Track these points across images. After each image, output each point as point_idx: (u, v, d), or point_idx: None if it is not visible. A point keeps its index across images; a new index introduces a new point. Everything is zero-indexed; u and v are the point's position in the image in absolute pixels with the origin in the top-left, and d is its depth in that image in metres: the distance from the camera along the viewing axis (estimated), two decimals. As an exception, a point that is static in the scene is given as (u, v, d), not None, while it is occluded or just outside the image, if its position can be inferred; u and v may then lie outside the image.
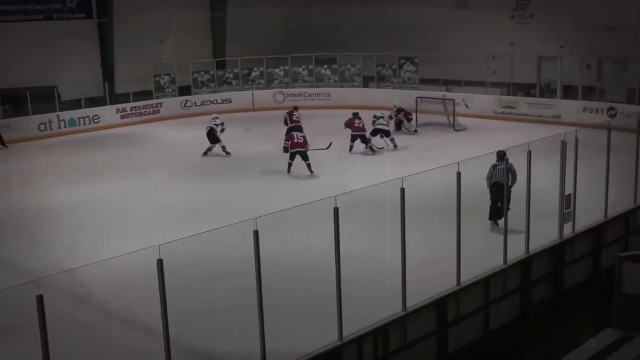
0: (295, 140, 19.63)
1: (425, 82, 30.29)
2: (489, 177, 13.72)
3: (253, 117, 30.37)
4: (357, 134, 22.10)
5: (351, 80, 32.27)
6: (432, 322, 10.61)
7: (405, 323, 10.17)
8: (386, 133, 22.76)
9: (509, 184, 12.88)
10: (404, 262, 10.06)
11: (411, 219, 10.12)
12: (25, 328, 9.35)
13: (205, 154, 22.51)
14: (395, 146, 22.74)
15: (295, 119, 22.80)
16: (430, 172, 11.65)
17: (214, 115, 23.53)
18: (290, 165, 19.62)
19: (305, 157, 19.52)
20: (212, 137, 22.49)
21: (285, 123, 22.76)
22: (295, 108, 23.84)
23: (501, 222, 12.81)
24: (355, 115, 22.65)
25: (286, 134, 20.77)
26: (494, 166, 13.73)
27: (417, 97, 26.97)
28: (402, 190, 9.88)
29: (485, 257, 11.89)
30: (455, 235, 10.88)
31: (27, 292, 7.00)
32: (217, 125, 22.64)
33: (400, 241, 10.04)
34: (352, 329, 9.46)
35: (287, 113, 23.40)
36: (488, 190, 13.73)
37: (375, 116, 22.95)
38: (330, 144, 21.56)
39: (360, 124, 22.21)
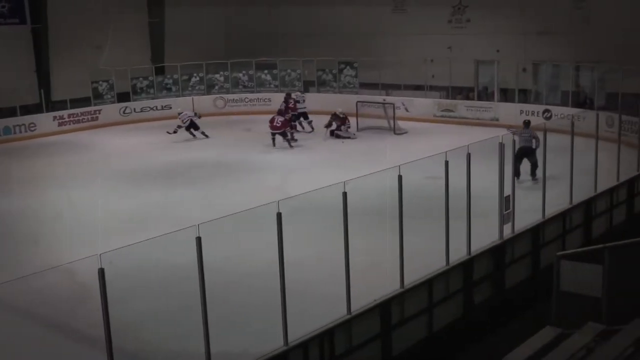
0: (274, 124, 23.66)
1: (366, 86, 30.53)
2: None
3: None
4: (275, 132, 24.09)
5: (292, 85, 32.28)
6: (376, 324, 10.68)
7: (351, 326, 10.21)
8: (304, 115, 25.94)
9: (533, 147, 16.93)
10: (347, 266, 10.10)
11: (354, 222, 10.17)
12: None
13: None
14: (312, 129, 25.80)
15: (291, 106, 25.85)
16: (371, 176, 11.71)
17: (180, 111, 26.86)
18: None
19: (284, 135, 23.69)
20: (194, 125, 25.97)
21: (286, 111, 25.25)
22: (288, 95, 26.84)
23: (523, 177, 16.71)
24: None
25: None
26: (520, 133, 17.35)
27: (357, 102, 27.12)
28: (344, 194, 9.92)
29: (427, 259, 12.01)
30: (397, 238, 10.97)
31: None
32: (192, 116, 26.26)
33: (344, 245, 10.08)
34: (297, 334, 9.46)
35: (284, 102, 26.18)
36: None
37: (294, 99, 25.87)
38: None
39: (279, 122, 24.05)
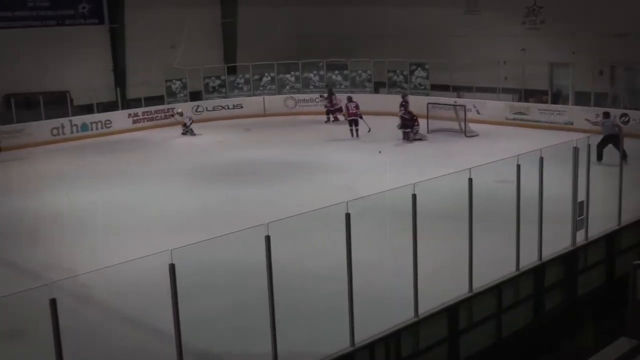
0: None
1: (437, 88, 30.26)
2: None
3: (264, 122, 30.41)
4: (352, 118, 25.89)
5: (362, 86, 32.26)
6: (444, 328, 10.56)
7: (418, 329, 10.12)
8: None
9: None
10: (415, 268, 10.02)
11: (423, 225, 10.08)
12: (37, 331, 9.40)
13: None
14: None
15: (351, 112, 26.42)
16: (441, 178, 11.62)
17: (180, 111, 28.96)
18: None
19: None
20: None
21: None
22: (349, 98, 26.98)
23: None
24: (349, 99, 26.48)
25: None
26: (602, 123, 19.61)
27: (428, 103, 26.92)
28: (414, 196, 9.86)
29: (497, 264, 11.82)
30: (467, 242, 10.83)
31: (39, 296, 7.02)
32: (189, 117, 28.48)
33: (412, 247, 10.01)
34: (364, 335, 9.42)
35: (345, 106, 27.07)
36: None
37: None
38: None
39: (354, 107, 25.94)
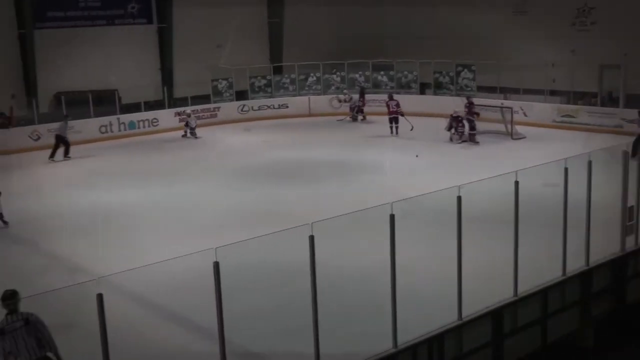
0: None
1: (483, 89, 29.99)
2: None
3: (309, 122, 30.49)
4: (392, 116, 26.48)
5: (408, 86, 32.13)
6: (488, 332, 10.45)
7: (461, 332, 10.04)
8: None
9: None
10: (459, 271, 9.94)
11: (467, 227, 10.00)
12: (84, 325, 9.55)
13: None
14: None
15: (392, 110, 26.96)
16: (487, 181, 11.49)
17: (188, 112, 28.15)
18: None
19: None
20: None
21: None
22: (390, 96, 27.63)
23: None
24: (390, 97, 27.22)
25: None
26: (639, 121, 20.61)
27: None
28: (459, 198, 9.77)
29: (543, 268, 11.65)
30: (512, 245, 10.71)
31: (87, 290, 7.13)
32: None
33: (457, 249, 9.93)
34: (406, 337, 9.38)
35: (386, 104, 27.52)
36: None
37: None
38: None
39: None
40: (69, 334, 10.35)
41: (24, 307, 7.74)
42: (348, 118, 30.24)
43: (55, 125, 25.05)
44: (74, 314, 10.45)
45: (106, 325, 7.16)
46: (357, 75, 32.73)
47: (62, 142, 23.91)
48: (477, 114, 25.18)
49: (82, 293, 7.39)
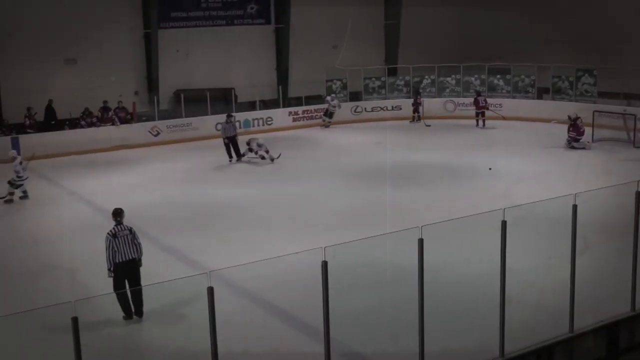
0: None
1: (605, 95, 28.83)
2: None
3: (422, 125, 30.24)
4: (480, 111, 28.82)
5: (524, 91, 31.33)
6: (601, 347, 10.07)
7: (572, 346, 9.71)
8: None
9: None
10: (573, 282, 9.62)
11: (582, 237, 9.67)
12: (195, 318, 9.84)
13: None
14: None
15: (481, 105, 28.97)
16: (605, 190, 11.09)
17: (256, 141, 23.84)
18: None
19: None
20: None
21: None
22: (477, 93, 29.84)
23: None
24: (478, 94, 29.45)
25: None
26: None
27: (594, 111, 25.70)
28: (575, 207, 9.46)
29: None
30: (630, 258, 10.27)
31: (199, 283, 7.35)
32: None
33: (570, 260, 9.61)
34: (514, 346, 9.16)
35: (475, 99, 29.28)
36: None
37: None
38: None
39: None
40: (179, 325, 10.73)
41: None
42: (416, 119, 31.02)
43: (173, 121, 25.88)
44: (185, 306, 10.80)
45: (215, 318, 7.34)
46: (472, 79, 32.20)
47: (231, 142, 23.59)
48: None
49: (194, 286, 7.61)
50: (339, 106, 30.36)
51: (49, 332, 9.44)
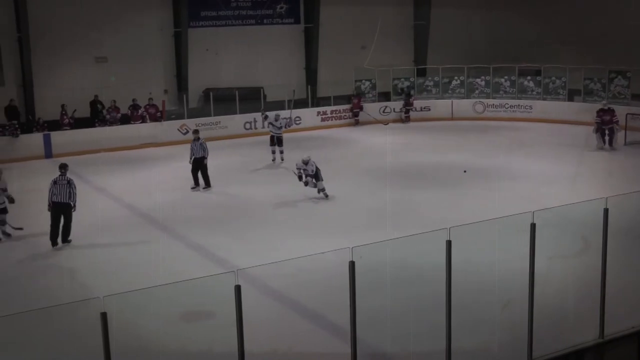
0: None
1: (639, 97, 28.45)
2: None
3: (451, 126, 30.11)
4: None
5: (555, 93, 31.00)
6: (633, 354, 9.92)
7: (603, 351, 9.58)
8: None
9: None
10: (603, 287, 9.49)
11: (612, 242, 9.53)
12: (222, 315, 9.86)
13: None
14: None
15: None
16: (636, 194, 10.93)
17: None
18: None
19: None
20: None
21: None
22: None
23: None
24: None
25: None
26: None
27: (627, 114, 25.38)
28: (606, 211, 9.34)
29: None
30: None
31: (226, 281, 7.36)
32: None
33: (601, 264, 9.48)
34: (542, 351, 9.07)
35: None
36: None
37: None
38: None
39: None
40: (206, 323, 10.75)
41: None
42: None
43: (202, 120, 25.97)
44: (213, 304, 10.82)
45: (242, 316, 7.35)
46: (502, 80, 31.93)
47: (199, 165, 20.59)
48: None
49: (221, 284, 7.63)
50: (286, 126, 23.95)
51: (77, 327, 9.51)
